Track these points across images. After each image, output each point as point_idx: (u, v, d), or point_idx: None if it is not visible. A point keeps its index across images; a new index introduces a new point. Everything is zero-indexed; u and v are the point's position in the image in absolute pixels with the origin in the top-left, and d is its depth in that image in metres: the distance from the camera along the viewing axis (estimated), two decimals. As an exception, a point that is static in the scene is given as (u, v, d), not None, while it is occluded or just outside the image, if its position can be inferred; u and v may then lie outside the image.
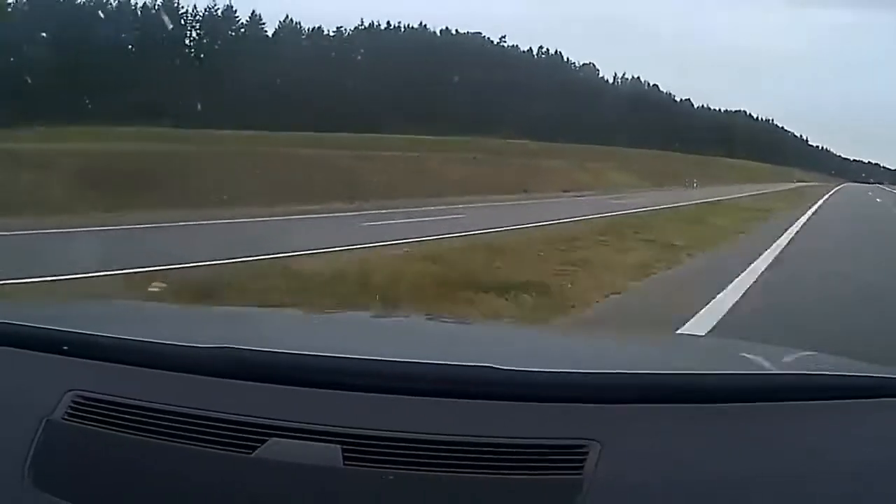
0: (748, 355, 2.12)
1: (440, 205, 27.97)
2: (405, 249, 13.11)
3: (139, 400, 1.49)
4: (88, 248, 12.93)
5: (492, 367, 1.47)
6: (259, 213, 22.93)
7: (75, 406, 1.50)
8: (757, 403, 1.49)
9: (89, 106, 38.21)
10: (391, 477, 1.30)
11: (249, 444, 1.37)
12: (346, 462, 1.33)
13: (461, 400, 1.45)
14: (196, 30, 56.69)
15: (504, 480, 1.30)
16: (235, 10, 59.38)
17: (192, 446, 1.39)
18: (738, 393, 1.53)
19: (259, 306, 5.29)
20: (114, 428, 1.45)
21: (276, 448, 1.36)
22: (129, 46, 51.70)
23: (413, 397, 1.46)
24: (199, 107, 41.45)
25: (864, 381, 1.68)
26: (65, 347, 1.65)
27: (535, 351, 2.13)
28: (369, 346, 1.85)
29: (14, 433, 1.46)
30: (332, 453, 1.34)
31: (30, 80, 38.34)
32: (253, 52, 55.41)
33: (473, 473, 1.31)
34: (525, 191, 39.41)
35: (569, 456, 1.33)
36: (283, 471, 1.33)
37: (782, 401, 1.51)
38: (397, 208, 25.94)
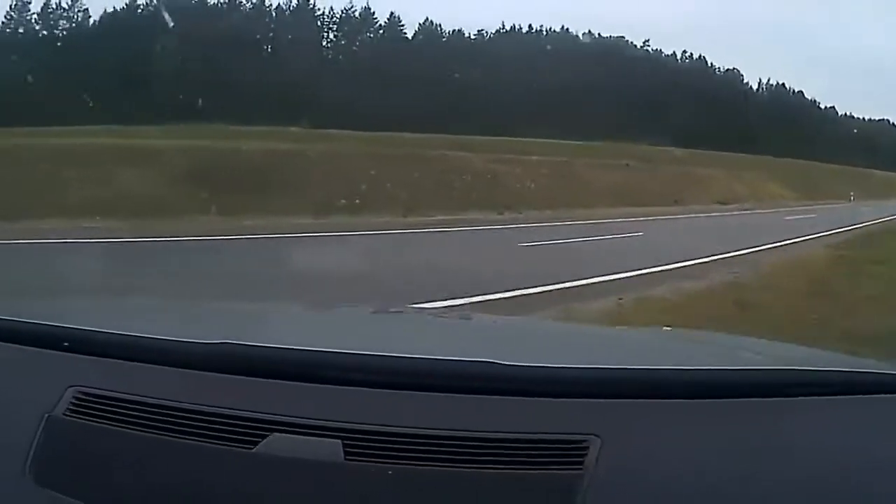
0: (749, 351, 2.11)
1: (598, 217, 23.27)
2: (617, 299, 8.22)
3: (140, 396, 1.44)
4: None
5: (492, 363, 1.42)
6: (390, 223, 18.59)
7: (76, 402, 1.46)
8: (758, 399, 1.44)
9: (221, 106, 35.82)
10: (392, 472, 1.26)
11: (250, 439, 1.32)
12: (347, 457, 1.29)
13: (462, 395, 1.40)
14: (333, 31, 53.66)
15: (504, 475, 1.26)
16: (374, 12, 56.07)
17: (194, 442, 1.34)
18: (739, 388, 1.47)
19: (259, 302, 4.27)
20: (115, 424, 1.40)
21: (276, 443, 1.31)
22: (266, 47, 49.48)
23: (414, 392, 1.41)
24: (334, 107, 38.60)
25: (866, 377, 1.62)
26: (66, 344, 1.61)
27: (535, 346, 2.02)
28: (370, 342, 1.79)
29: (15, 429, 1.42)
30: (333, 448, 1.29)
31: (162, 80, 37.00)
32: (391, 54, 52.20)
33: (474, 468, 1.26)
34: (676, 201, 34.18)
35: (569, 451, 1.29)
36: (284, 466, 1.29)
37: (783, 396, 1.45)
38: (553, 221, 21.29)
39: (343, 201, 21.60)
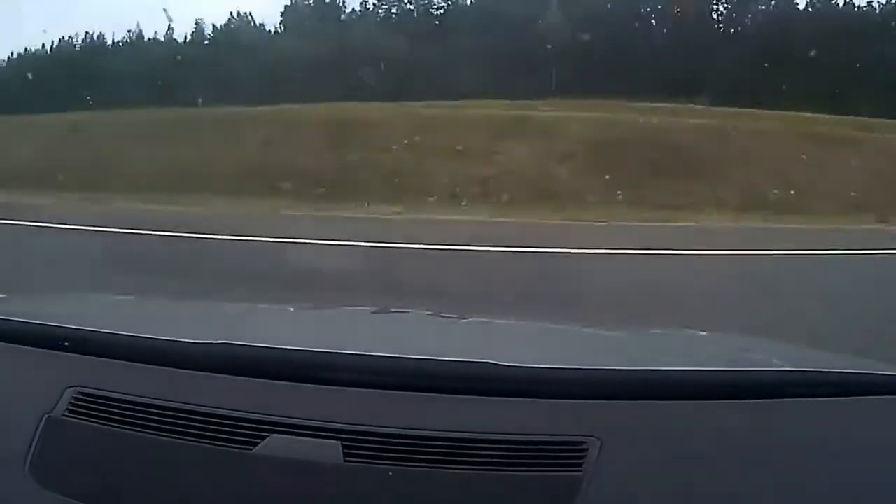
0: (749, 351, 2.02)
1: None
2: None
3: (140, 396, 1.39)
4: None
5: (492, 363, 1.37)
6: (877, 232, 13.54)
7: (76, 402, 1.41)
8: (758, 400, 1.37)
9: (606, 82, 32.72)
10: (391, 473, 1.21)
11: (249, 440, 1.27)
12: (347, 458, 1.24)
13: (461, 396, 1.35)
14: (723, 3, 47.79)
15: (503, 477, 1.21)
16: (763, -18, 49.25)
17: (193, 443, 1.29)
18: (739, 389, 1.39)
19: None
20: (114, 424, 1.35)
21: (276, 444, 1.26)
22: (651, 21, 45.28)
23: (413, 393, 1.36)
24: (730, 83, 35.25)
25: (865, 378, 1.52)
26: (65, 343, 1.54)
27: (535, 347, 1.91)
28: (369, 342, 1.71)
29: (15, 430, 1.37)
30: (332, 450, 1.24)
31: (548, 58, 35.93)
32: (785, 26, 45.40)
33: (473, 470, 1.21)
34: None
35: (568, 452, 1.24)
36: (283, 467, 1.24)
37: (784, 397, 1.38)
38: None
39: (776, 191, 16.96)
